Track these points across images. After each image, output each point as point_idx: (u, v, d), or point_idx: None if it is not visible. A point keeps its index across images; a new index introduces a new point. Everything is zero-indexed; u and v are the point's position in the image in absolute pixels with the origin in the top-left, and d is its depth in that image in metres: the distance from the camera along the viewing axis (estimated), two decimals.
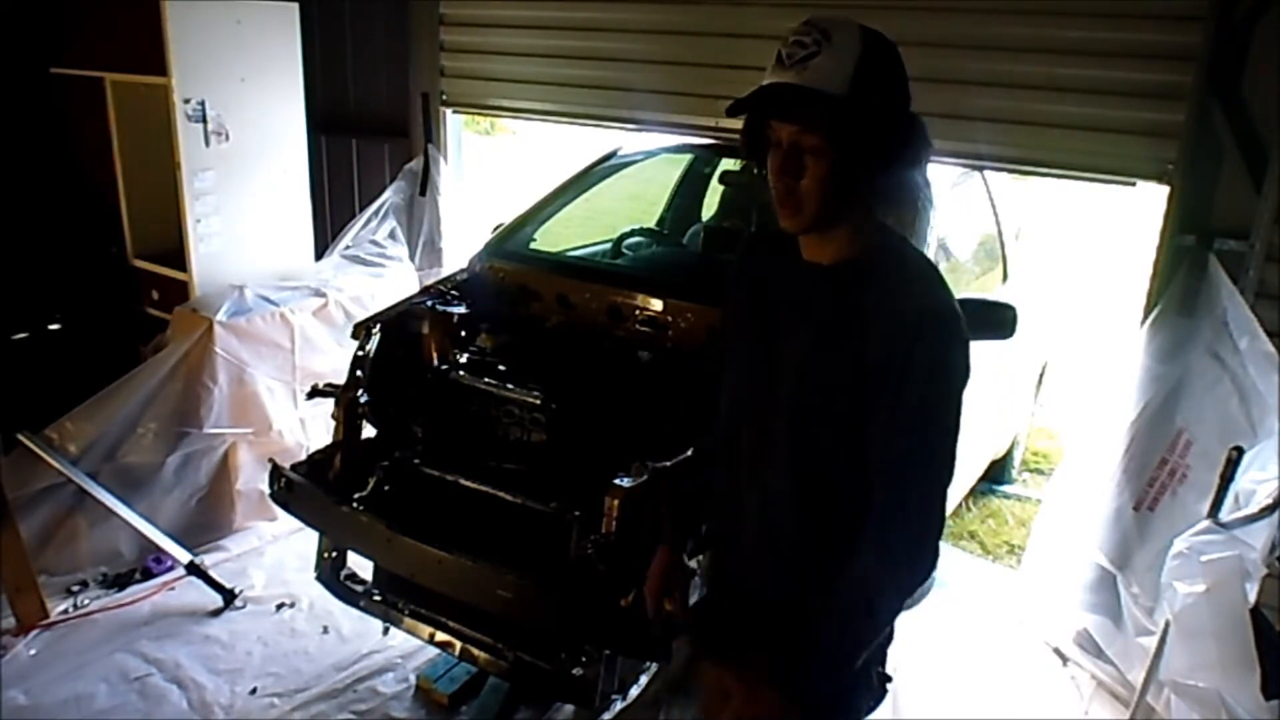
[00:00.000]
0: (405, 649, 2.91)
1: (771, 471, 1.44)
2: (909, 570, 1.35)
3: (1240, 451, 2.32)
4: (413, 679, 2.80)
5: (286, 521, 3.16)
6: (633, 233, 3.72)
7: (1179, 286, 2.80)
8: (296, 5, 3.88)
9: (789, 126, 1.29)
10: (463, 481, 2.52)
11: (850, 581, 1.34)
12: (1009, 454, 4.34)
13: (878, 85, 1.27)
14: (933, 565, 1.37)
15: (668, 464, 2.11)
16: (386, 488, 2.59)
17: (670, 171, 4.47)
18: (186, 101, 3.54)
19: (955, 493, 3.44)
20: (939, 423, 1.33)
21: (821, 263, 1.40)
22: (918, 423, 1.31)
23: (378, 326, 2.74)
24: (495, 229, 3.35)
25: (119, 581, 3.19)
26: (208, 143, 3.65)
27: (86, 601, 3.08)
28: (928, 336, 1.30)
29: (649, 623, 1.75)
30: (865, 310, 1.33)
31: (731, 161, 3.77)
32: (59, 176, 4.08)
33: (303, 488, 2.57)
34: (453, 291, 2.95)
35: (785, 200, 1.33)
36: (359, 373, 2.68)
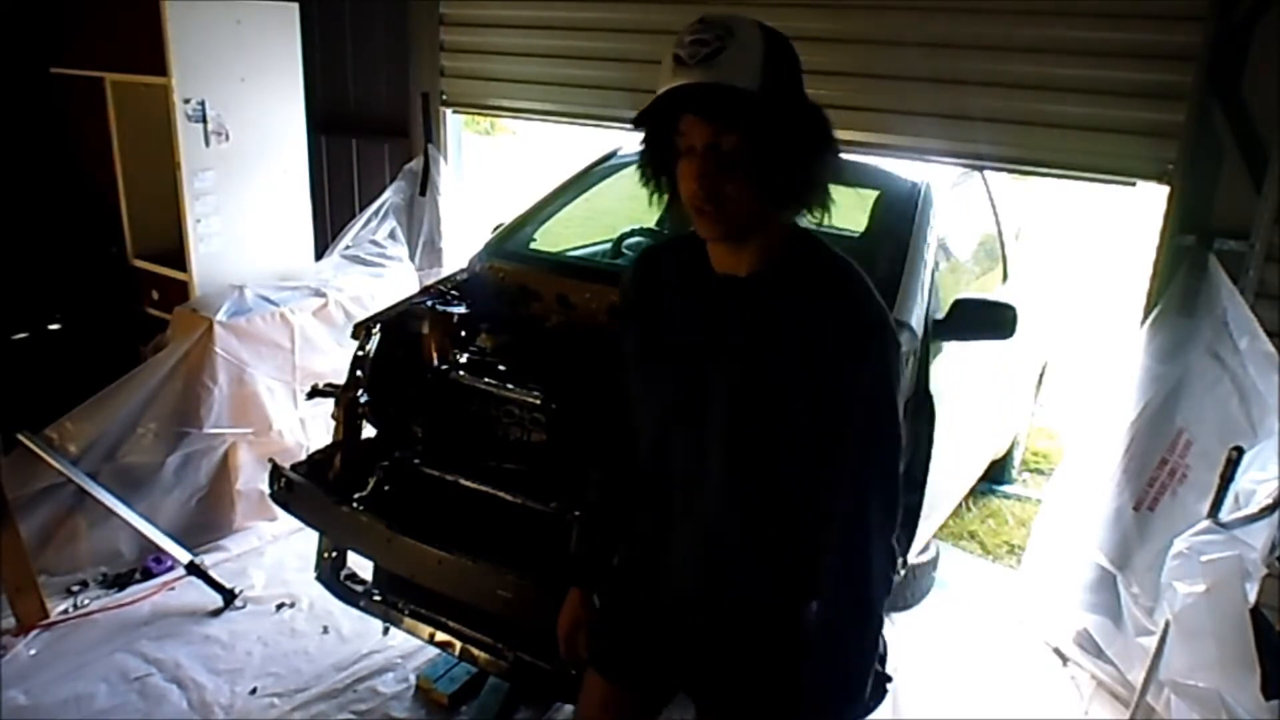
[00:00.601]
0: (405, 649, 2.91)
1: (709, 484, 1.40)
2: (884, 568, 1.37)
3: (1240, 451, 2.32)
4: (413, 679, 2.80)
5: (286, 521, 3.16)
6: (633, 233, 3.72)
7: (1179, 286, 2.80)
8: (296, 5, 3.88)
9: (704, 128, 1.23)
10: (463, 481, 2.52)
11: (835, 600, 1.37)
12: (1009, 454, 4.34)
13: (784, 78, 1.25)
14: (895, 562, 1.41)
15: None
16: (386, 488, 2.59)
17: None
18: (186, 101, 3.54)
19: (955, 493, 3.44)
20: (890, 426, 1.35)
21: (738, 274, 1.35)
22: (873, 429, 1.32)
23: (378, 326, 2.74)
24: (495, 229, 3.35)
25: (119, 581, 3.19)
26: (208, 143, 3.65)
27: (86, 601, 3.08)
28: (873, 344, 1.31)
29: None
30: (796, 320, 1.30)
31: None
32: (59, 176, 4.08)
33: (303, 488, 2.57)
34: (453, 291, 2.95)
35: (705, 207, 1.26)
36: (359, 373, 2.68)
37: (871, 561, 1.35)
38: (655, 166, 1.36)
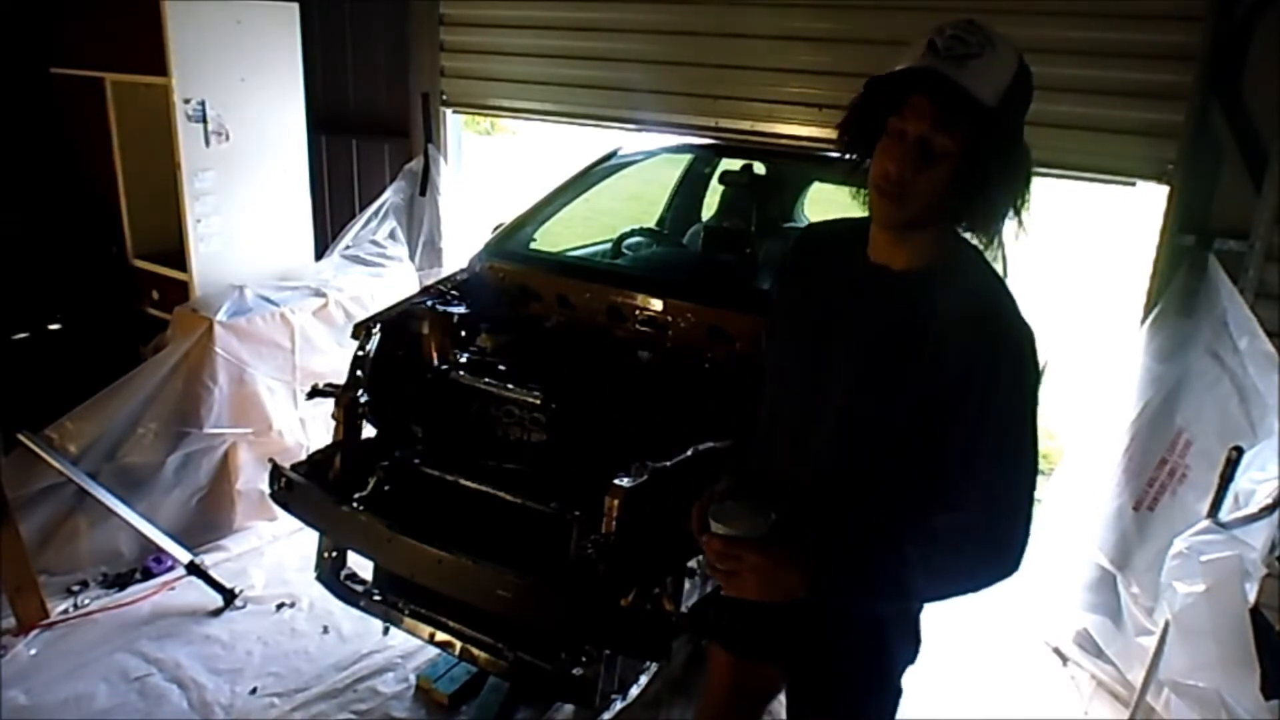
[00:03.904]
0: (405, 649, 2.91)
1: (815, 460, 1.44)
2: (981, 562, 1.35)
3: (1240, 451, 2.32)
4: (413, 679, 2.80)
5: (286, 521, 3.16)
6: (633, 233, 3.71)
7: (1179, 286, 2.80)
8: (296, 5, 3.87)
9: (927, 118, 1.25)
10: (463, 481, 2.52)
11: (921, 532, 1.33)
12: None
13: (1018, 107, 1.28)
14: (1009, 570, 1.36)
15: (668, 464, 2.12)
16: (386, 488, 2.59)
17: (670, 171, 4.46)
18: (186, 101, 3.54)
19: None
20: (1023, 439, 1.33)
21: (892, 266, 1.38)
22: (1003, 441, 1.32)
23: (378, 326, 2.74)
24: (495, 229, 3.35)
25: (119, 581, 3.19)
26: (208, 143, 3.65)
27: (86, 601, 3.08)
28: (1010, 366, 1.30)
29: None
30: (940, 323, 1.32)
31: (731, 161, 3.77)
32: (59, 176, 4.08)
33: (303, 488, 2.57)
34: (453, 291, 2.95)
35: (889, 190, 1.29)
36: (359, 373, 2.68)
37: (965, 557, 1.34)
38: (855, 134, 1.37)
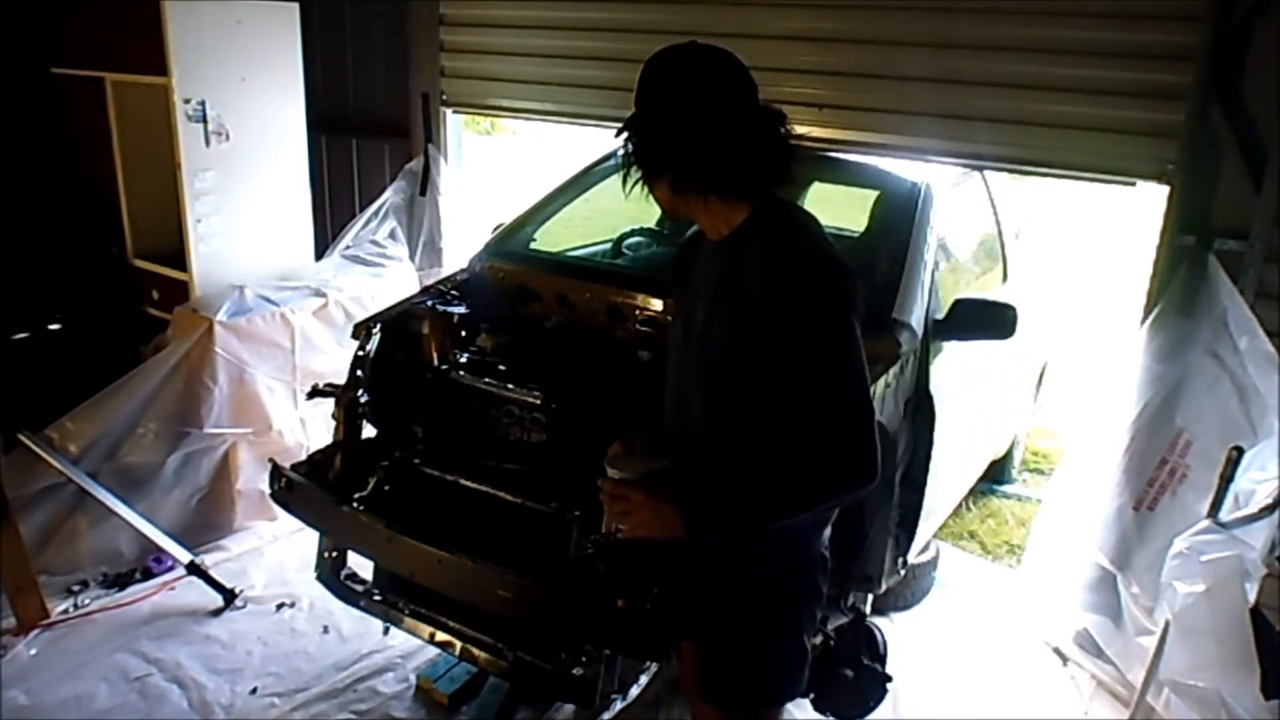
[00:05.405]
0: (405, 649, 2.91)
1: (684, 418, 1.66)
2: (831, 474, 1.46)
3: (1240, 451, 2.32)
4: (413, 679, 2.80)
5: (286, 521, 3.16)
6: (633, 233, 3.71)
7: (1179, 286, 2.80)
8: (296, 5, 3.88)
9: None
10: (463, 481, 2.52)
11: (774, 456, 1.47)
12: (1009, 454, 4.34)
13: (655, 93, 1.51)
14: (863, 478, 1.46)
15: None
16: (386, 488, 2.59)
17: None
18: (186, 101, 3.54)
19: (955, 493, 3.44)
20: (845, 357, 1.45)
21: (714, 240, 1.61)
22: (828, 362, 1.45)
23: (378, 326, 2.74)
24: (495, 229, 3.35)
25: (119, 581, 3.20)
26: (208, 143, 3.65)
27: (86, 601, 3.08)
28: (813, 289, 1.45)
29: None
30: (750, 275, 1.50)
31: None
32: (59, 176, 4.08)
33: (303, 488, 2.57)
34: (453, 291, 2.95)
35: None
36: (359, 373, 2.68)
37: (816, 472, 1.46)
38: None
